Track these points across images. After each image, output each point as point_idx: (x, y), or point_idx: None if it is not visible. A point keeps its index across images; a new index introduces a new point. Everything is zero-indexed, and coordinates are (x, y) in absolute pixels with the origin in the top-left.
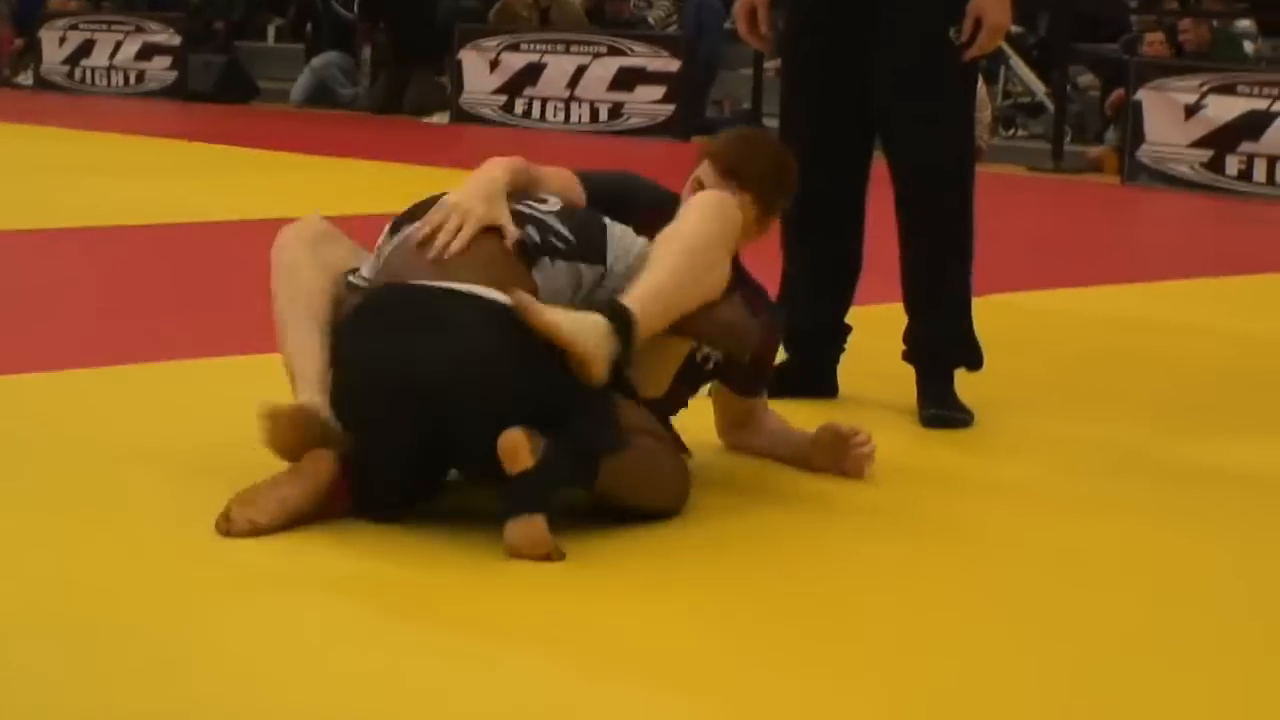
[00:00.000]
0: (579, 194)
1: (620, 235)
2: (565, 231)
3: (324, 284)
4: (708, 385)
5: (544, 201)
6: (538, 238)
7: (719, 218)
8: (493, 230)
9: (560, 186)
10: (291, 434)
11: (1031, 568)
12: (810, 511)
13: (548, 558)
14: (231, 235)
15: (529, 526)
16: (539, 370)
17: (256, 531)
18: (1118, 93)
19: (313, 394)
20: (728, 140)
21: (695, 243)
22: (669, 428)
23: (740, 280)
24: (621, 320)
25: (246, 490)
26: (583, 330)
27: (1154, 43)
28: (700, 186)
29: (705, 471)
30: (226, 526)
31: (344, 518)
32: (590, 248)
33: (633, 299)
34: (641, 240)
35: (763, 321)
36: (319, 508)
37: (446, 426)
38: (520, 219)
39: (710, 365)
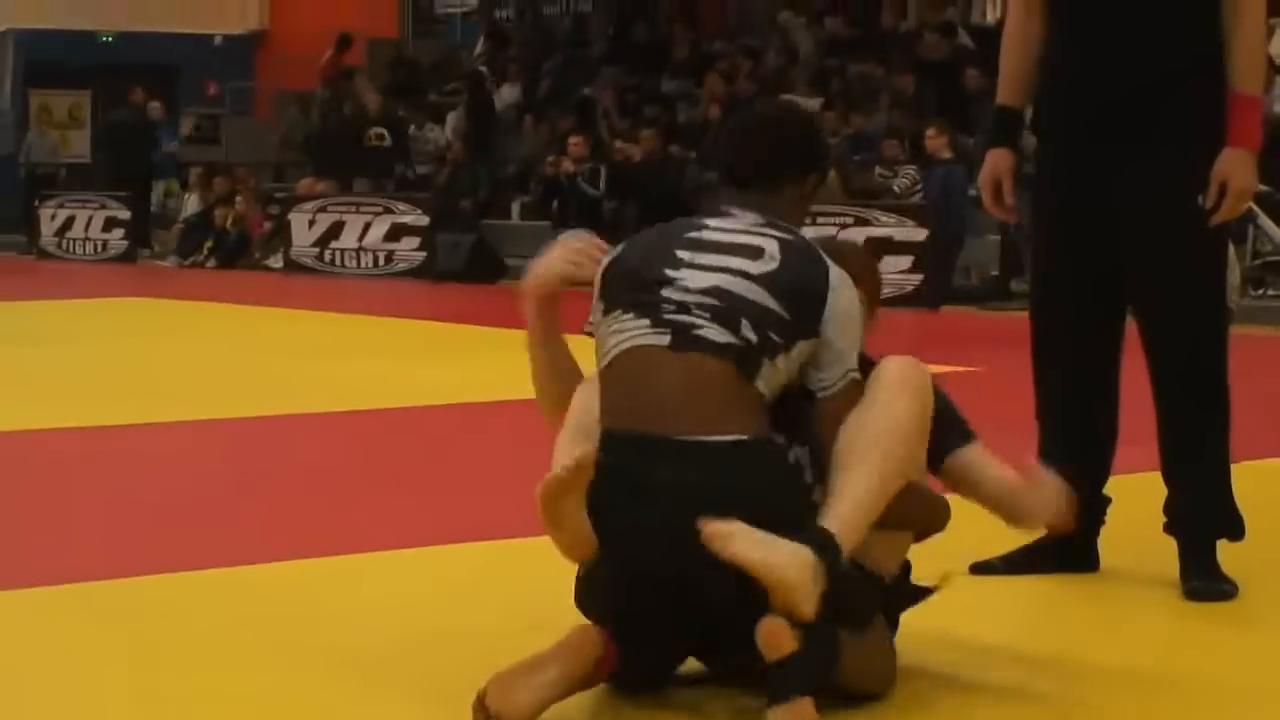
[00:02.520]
0: None
1: (836, 302)
2: (780, 310)
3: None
4: None
5: (759, 256)
6: (754, 336)
7: (915, 394)
8: (709, 346)
9: None
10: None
11: None
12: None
13: None
14: (485, 416)
15: (798, 710)
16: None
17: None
18: None
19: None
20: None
21: (894, 438)
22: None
23: None
24: (827, 550)
25: (506, 672)
26: (781, 562)
27: None
28: None
29: (955, 661)
30: (484, 717)
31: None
32: (806, 322)
33: (835, 518)
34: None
35: None
36: (581, 686)
37: (695, 600)
38: (735, 308)
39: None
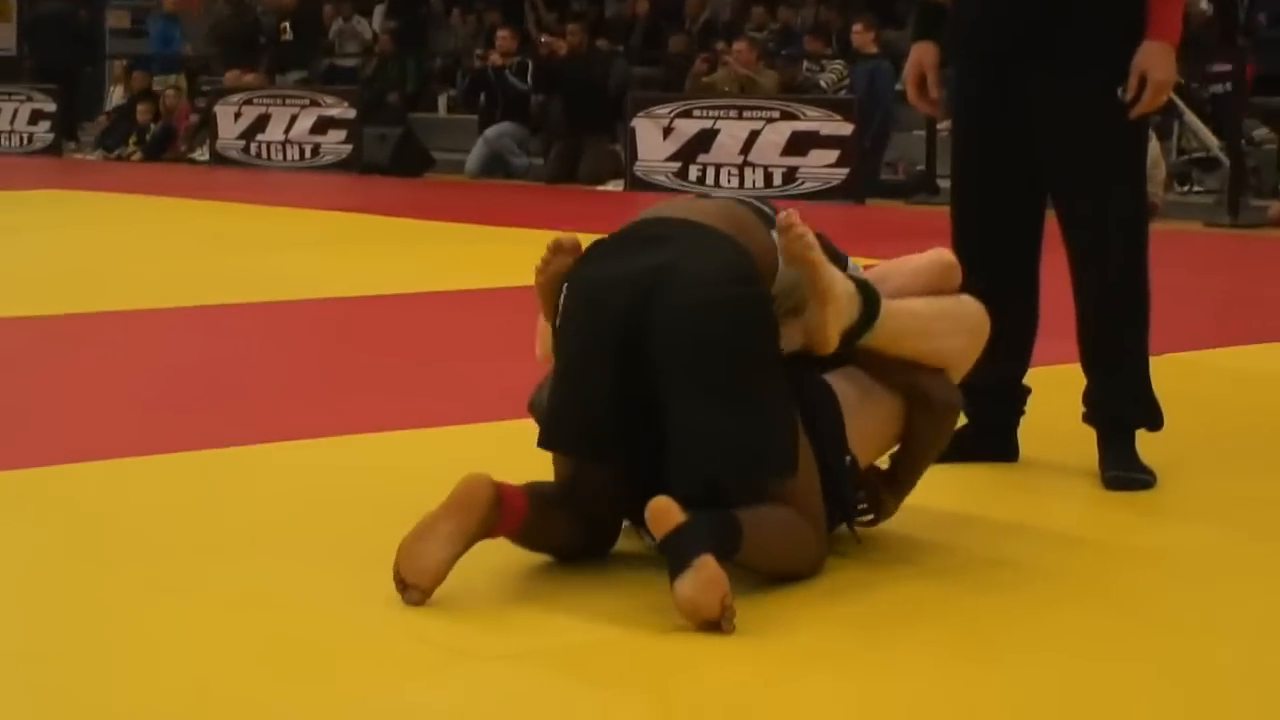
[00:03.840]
0: None
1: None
2: None
3: None
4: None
5: None
6: None
7: (984, 323)
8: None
9: None
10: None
11: (1200, 637)
12: (989, 579)
13: (722, 611)
14: (409, 307)
15: (700, 569)
16: (751, 313)
17: (433, 580)
18: None
19: None
20: None
21: (958, 314)
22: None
23: None
24: (870, 296)
25: (406, 539)
26: (835, 274)
27: None
28: None
29: (880, 539)
30: (404, 593)
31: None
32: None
33: (885, 297)
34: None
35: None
36: (480, 534)
37: (642, 347)
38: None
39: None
